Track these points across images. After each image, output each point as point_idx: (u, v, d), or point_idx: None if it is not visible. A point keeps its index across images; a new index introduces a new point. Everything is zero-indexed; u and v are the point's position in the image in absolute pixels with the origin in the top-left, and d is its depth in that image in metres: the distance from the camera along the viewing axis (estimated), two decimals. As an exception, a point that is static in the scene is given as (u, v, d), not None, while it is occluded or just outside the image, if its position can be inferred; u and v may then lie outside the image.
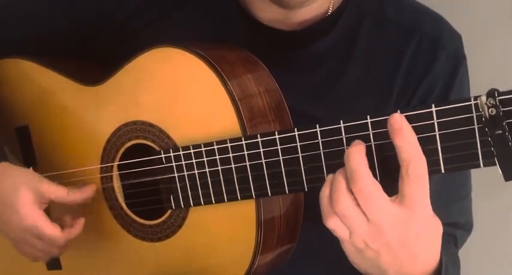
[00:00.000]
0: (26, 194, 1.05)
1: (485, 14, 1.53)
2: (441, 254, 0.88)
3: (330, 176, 0.84)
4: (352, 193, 0.80)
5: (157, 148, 1.03)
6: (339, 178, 0.82)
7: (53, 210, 1.13)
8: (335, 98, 1.09)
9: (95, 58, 1.17)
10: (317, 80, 1.10)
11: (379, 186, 0.80)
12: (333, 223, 0.83)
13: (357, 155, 0.81)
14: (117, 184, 1.10)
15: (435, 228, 0.85)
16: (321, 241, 1.13)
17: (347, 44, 1.09)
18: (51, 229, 1.06)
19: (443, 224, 1.10)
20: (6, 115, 1.20)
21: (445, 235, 1.11)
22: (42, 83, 1.16)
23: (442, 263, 0.88)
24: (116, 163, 1.09)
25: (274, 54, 1.08)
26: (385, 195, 0.80)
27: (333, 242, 1.14)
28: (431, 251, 0.86)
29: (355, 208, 0.80)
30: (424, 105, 0.81)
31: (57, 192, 1.07)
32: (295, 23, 1.08)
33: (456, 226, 1.15)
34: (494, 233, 1.59)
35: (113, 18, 1.14)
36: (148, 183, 1.06)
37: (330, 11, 1.08)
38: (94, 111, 1.11)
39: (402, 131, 0.80)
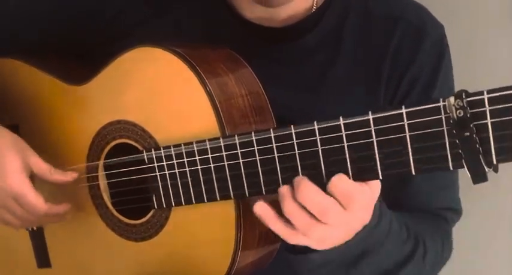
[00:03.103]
0: (14, 159, 1.06)
1: (485, 14, 1.51)
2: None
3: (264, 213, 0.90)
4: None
5: (140, 147, 1.04)
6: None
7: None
8: (324, 91, 1.11)
9: (84, 57, 1.18)
10: (306, 74, 1.11)
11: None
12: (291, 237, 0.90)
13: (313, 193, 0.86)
14: (102, 183, 1.11)
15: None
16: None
17: (334, 38, 1.10)
18: (35, 198, 1.06)
19: (440, 209, 1.16)
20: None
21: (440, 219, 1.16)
22: (30, 83, 1.17)
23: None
24: (101, 162, 1.10)
25: (263, 49, 1.09)
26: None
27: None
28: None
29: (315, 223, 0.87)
30: (394, 107, 0.80)
31: (41, 166, 1.08)
32: (281, 20, 1.10)
33: (448, 209, 1.18)
34: (490, 230, 1.58)
35: (98, 18, 1.15)
36: (133, 182, 1.07)
37: (315, 7, 1.10)
38: (79, 111, 1.12)
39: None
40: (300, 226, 0.87)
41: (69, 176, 1.10)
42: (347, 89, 1.11)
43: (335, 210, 0.85)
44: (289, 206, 0.86)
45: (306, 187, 0.86)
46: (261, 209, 0.89)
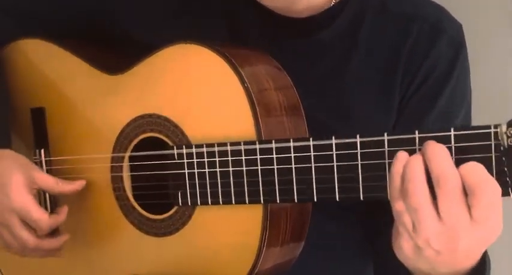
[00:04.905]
0: (18, 177, 1.08)
1: (485, 14, 1.51)
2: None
3: (402, 154, 0.80)
4: (429, 188, 0.77)
5: (170, 143, 1.03)
6: (416, 167, 0.78)
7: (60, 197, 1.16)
8: (340, 87, 1.09)
9: (111, 45, 1.17)
10: (321, 69, 1.10)
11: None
12: (400, 207, 0.80)
13: (444, 158, 0.77)
14: (126, 175, 1.10)
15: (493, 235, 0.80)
16: (327, 248, 1.13)
17: (350, 34, 1.09)
18: (38, 213, 1.08)
19: None
20: (23, 95, 1.20)
21: None
22: (62, 66, 1.16)
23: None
24: (127, 154, 1.09)
25: (281, 41, 1.09)
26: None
27: (339, 247, 1.15)
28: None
29: (430, 206, 0.77)
30: (443, 128, 0.79)
31: (47, 180, 1.11)
32: (299, 10, 1.08)
33: None
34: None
35: (98, 18, 1.17)
36: (158, 177, 1.06)
37: (334, 1, 1.09)
38: (111, 101, 1.10)
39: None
40: (412, 200, 0.77)
41: (77, 185, 1.13)
42: (362, 85, 1.09)
43: (456, 188, 0.75)
44: (415, 166, 0.77)
45: (438, 146, 0.78)
46: (402, 154, 0.80)
